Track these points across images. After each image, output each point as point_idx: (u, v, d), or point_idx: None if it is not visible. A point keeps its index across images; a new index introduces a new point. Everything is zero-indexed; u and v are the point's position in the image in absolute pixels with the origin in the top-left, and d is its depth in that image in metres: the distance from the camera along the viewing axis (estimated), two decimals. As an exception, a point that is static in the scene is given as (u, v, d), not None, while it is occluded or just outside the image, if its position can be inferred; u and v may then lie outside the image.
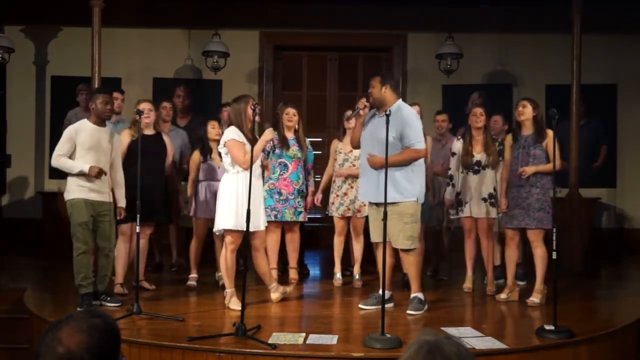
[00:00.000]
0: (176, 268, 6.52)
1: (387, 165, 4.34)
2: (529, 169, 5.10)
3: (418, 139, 4.74)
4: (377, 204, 4.78)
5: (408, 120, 4.75)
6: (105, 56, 6.77)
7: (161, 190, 5.60)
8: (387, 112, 4.36)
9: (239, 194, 4.73)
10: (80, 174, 4.77)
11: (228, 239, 4.83)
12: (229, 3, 8.37)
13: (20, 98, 8.62)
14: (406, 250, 4.82)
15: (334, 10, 8.47)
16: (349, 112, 5.99)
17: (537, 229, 5.10)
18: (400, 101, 4.91)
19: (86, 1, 6.58)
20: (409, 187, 4.73)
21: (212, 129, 5.78)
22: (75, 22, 7.99)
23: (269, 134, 4.89)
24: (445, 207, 5.94)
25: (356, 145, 5.12)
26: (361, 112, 4.95)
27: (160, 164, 5.59)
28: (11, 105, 8.64)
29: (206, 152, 5.76)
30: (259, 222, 4.85)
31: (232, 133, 4.83)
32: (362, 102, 4.99)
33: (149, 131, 5.45)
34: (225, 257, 4.85)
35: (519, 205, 5.16)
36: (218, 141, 5.62)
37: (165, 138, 5.75)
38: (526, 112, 5.20)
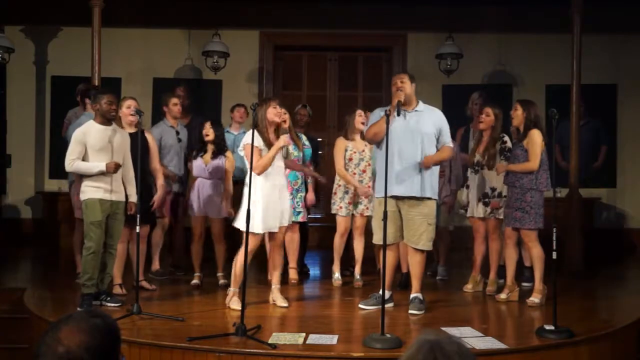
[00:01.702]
0: (154, 274, 6.18)
1: (386, 158, 4.34)
2: (500, 168, 5.24)
3: (450, 138, 4.96)
4: (404, 199, 4.76)
5: (443, 119, 4.95)
6: (105, 56, 6.78)
7: (146, 190, 5.52)
8: (387, 112, 4.36)
9: (263, 196, 4.73)
10: (99, 174, 4.77)
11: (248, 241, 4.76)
12: (229, 3, 8.37)
13: (20, 98, 8.62)
14: (420, 250, 4.83)
15: (334, 10, 8.47)
16: (361, 112, 5.94)
17: (528, 230, 5.10)
18: (421, 102, 4.98)
19: (86, 1, 6.59)
20: (436, 186, 4.91)
21: (203, 129, 5.80)
22: (75, 22, 8.00)
23: (282, 141, 4.81)
24: (460, 207, 5.99)
25: (373, 139, 4.93)
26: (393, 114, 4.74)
27: (144, 164, 5.49)
28: (11, 105, 8.64)
29: (198, 150, 5.79)
30: (275, 222, 4.82)
31: (249, 137, 4.75)
32: (402, 95, 4.76)
33: (131, 129, 5.37)
34: (239, 258, 4.75)
35: (507, 204, 5.26)
36: (210, 141, 5.73)
37: (148, 136, 5.62)
38: (517, 116, 5.24)
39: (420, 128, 4.80)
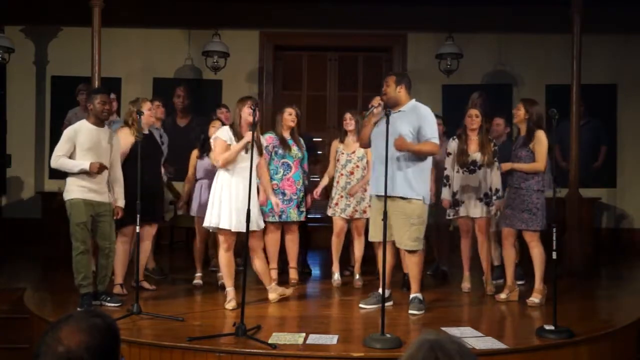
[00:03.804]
0: (150, 273, 6.10)
1: (386, 165, 4.34)
2: (505, 165, 5.18)
3: (435, 135, 4.80)
4: (394, 199, 4.72)
5: (425, 116, 4.81)
6: (105, 56, 6.77)
7: (158, 189, 5.59)
8: (387, 112, 4.37)
9: (232, 193, 4.77)
10: (82, 172, 4.76)
11: (220, 238, 4.90)
12: (229, 3, 8.37)
13: (20, 98, 8.62)
14: (410, 251, 4.82)
15: (334, 10, 8.47)
16: (348, 115, 5.97)
17: (530, 230, 5.10)
18: (414, 101, 4.93)
19: (86, 1, 6.58)
20: (419, 185, 4.78)
21: (212, 127, 5.81)
22: (75, 22, 8.00)
23: (248, 136, 4.80)
24: (444, 206, 5.92)
25: (366, 144, 5.10)
26: (375, 110, 4.92)
27: (157, 162, 5.59)
28: (11, 105, 8.64)
29: (203, 150, 5.79)
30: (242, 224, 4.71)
31: (221, 131, 4.94)
32: (377, 100, 5.00)
33: (145, 131, 5.42)
34: (220, 257, 4.93)
35: (509, 205, 5.20)
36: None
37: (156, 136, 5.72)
38: (518, 115, 5.22)
39: (396, 129, 4.73)
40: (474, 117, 5.65)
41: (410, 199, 4.72)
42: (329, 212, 5.98)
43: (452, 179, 5.71)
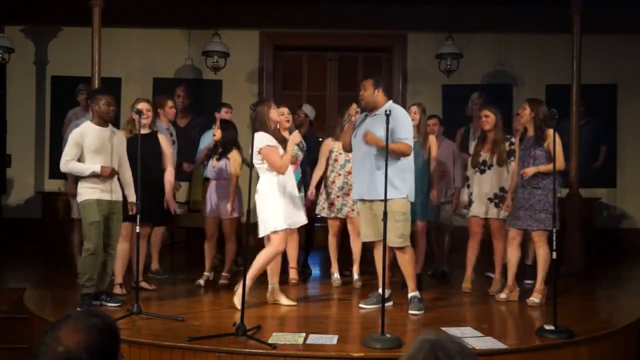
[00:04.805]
0: (153, 273, 6.12)
1: (387, 166, 4.34)
2: (529, 170, 5.09)
3: (407, 137, 4.78)
4: (370, 202, 4.85)
5: (398, 118, 4.75)
6: (105, 56, 6.77)
7: (157, 190, 5.57)
8: (387, 112, 4.37)
9: (284, 194, 4.77)
10: (93, 175, 4.77)
11: (276, 239, 4.75)
12: (229, 3, 8.38)
13: (20, 98, 8.62)
14: (400, 249, 4.83)
15: (334, 10, 8.47)
16: (355, 106, 6.00)
17: (541, 230, 5.09)
18: (390, 102, 4.95)
19: (86, 1, 6.58)
20: (400, 184, 4.79)
21: (217, 129, 5.83)
22: (75, 22, 8.00)
23: (296, 137, 4.91)
24: (460, 207, 5.98)
25: (348, 148, 5.16)
26: (353, 118, 5.03)
27: (156, 164, 5.56)
28: (11, 105, 8.64)
29: (213, 153, 5.82)
30: (300, 217, 4.93)
31: (264, 139, 4.74)
32: (354, 108, 5.07)
33: (145, 130, 5.41)
34: (268, 254, 4.78)
35: (523, 206, 5.14)
36: (217, 142, 5.73)
37: (161, 137, 5.69)
38: (524, 115, 5.23)
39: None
40: (483, 118, 5.65)
41: (391, 199, 4.65)
42: (323, 213, 5.97)
43: (470, 179, 5.74)
